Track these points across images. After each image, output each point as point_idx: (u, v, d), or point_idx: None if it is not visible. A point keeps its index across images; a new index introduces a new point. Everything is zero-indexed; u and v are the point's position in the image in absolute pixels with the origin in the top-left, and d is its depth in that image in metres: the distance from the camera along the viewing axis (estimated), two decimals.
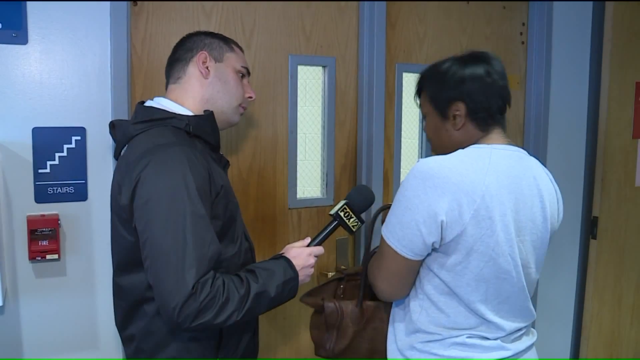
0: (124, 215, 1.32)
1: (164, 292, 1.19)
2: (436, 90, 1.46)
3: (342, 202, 1.56)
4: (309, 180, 2.20)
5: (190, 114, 1.45)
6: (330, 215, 1.56)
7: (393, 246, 1.35)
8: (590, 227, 2.81)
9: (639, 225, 2.90)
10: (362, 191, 1.61)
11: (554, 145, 2.65)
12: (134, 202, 1.28)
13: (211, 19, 1.92)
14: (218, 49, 1.52)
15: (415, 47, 2.34)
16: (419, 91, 1.54)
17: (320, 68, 2.16)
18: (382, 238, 1.39)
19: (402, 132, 2.36)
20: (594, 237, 2.78)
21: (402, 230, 1.33)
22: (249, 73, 1.59)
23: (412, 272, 1.41)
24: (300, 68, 2.11)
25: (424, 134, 2.38)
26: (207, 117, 1.46)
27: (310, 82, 2.16)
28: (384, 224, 1.39)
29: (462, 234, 1.31)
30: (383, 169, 2.24)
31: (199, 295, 1.19)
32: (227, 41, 1.56)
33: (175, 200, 1.23)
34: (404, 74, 2.33)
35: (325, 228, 1.56)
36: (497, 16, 2.53)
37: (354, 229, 1.55)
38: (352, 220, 1.55)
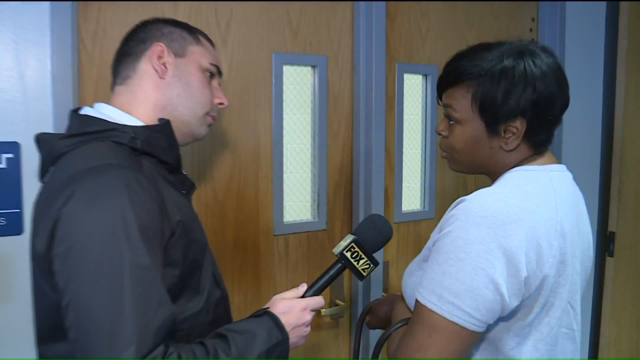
0: (43, 266, 0.98)
1: None
2: (493, 95, 1.10)
3: (349, 238, 1.20)
4: (298, 200, 1.87)
5: (140, 124, 1.13)
6: (335, 255, 1.21)
7: (460, 321, 1.01)
8: (606, 244, 2.59)
9: None
10: (376, 223, 1.25)
11: (566, 153, 2.39)
12: (52, 249, 0.94)
13: (178, 9, 1.58)
14: (179, 41, 1.19)
15: (418, 45, 2.03)
16: (453, 84, 1.17)
17: (309, 68, 1.84)
18: (430, 314, 1.04)
19: (404, 143, 2.04)
20: (611, 255, 2.57)
21: (475, 299, 1.00)
22: (220, 73, 1.27)
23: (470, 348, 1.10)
24: (286, 68, 1.78)
25: (429, 144, 2.08)
26: (162, 129, 1.14)
27: (298, 85, 1.83)
28: (427, 291, 1.05)
29: (540, 288, 1.05)
30: (384, 186, 1.92)
31: None
32: (192, 31, 1.23)
33: (108, 246, 0.92)
34: (405, 75, 2.02)
35: (327, 272, 1.21)
36: (505, 10, 2.24)
37: (364, 274, 1.20)
38: (362, 262, 1.19)
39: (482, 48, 1.15)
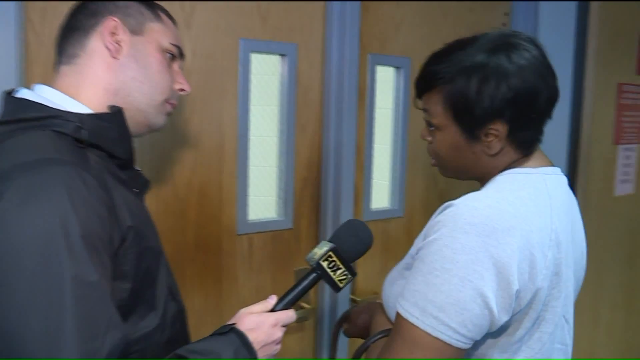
0: None
1: None
2: (465, 97, 1.02)
3: (325, 246, 1.09)
4: (263, 198, 1.76)
5: (88, 111, 0.99)
6: (309, 264, 1.10)
7: (445, 337, 0.93)
8: None
9: (616, 239, 2.68)
10: (357, 230, 1.15)
11: None
12: None
13: None
14: (137, 16, 1.05)
15: (391, 35, 1.94)
16: (427, 89, 1.10)
17: (277, 57, 1.72)
18: (411, 328, 0.95)
19: (374, 138, 1.96)
20: None
21: (461, 314, 0.92)
22: (182, 55, 1.14)
23: None
24: (253, 56, 1.66)
25: (400, 140, 2.00)
26: (113, 118, 1.00)
27: (266, 75, 1.72)
28: (409, 304, 0.96)
29: (531, 302, 0.97)
30: (354, 184, 1.83)
31: None
32: (151, 7, 1.09)
33: (45, 258, 0.78)
34: (377, 67, 1.92)
35: (299, 283, 1.08)
36: (480, 3, 2.17)
37: (340, 285, 1.10)
38: (339, 272, 1.08)
39: (457, 47, 1.07)
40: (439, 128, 1.08)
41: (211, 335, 0.99)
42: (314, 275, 1.08)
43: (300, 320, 1.81)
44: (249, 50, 1.63)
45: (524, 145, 1.06)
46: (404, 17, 1.96)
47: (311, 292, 1.83)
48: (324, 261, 1.07)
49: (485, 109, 1.01)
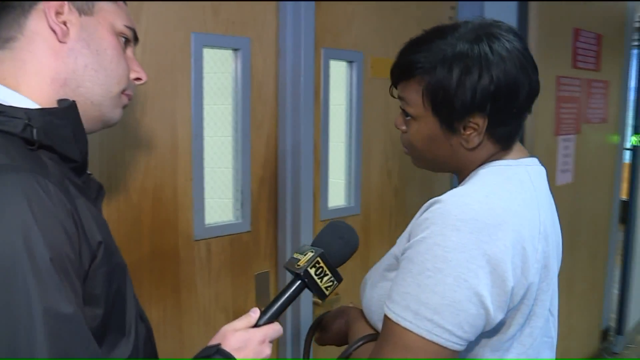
0: None
1: None
2: (445, 88, 0.98)
3: (311, 252, 1.01)
4: (219, 200, 1.67)
5: (34, 106, 0.84)
6: (293, 272, 1.01)
7: (441, 340, 0.88)
8: None
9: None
10: (342, 233, 1.07)
11: None
12: None
13: None
14: None
15: (343, 29, 1.89)
16: (404, 78, 1.04)
17: (230, 52, 1.64)
18: (404, 333, 0.90)
19: (330, 136, 1.91)
20: None
21: (457, 315, 0.87)
22: (136, 39, 1.00)
23: None
24: (205, 51, 1.57)
25: (354, 136, 1.96)
26: (66, 113, 0.86)
27: (219, 71, 1.63)
28: (400, 307, 0.91)
29: (524, 298, 0.94)
30: (313, 183, 1.77)
31: None
32: None
33: (7, 288, 0.67)
34: (331, 62, 1.87)
35: (284, 292, 1.00)
36: None
37: (327, 293, 1.01)
38: (326, 279, 1.00)
39: (437, 35, 1.01)
40: (415, 118, 1.03)
41: (195, 358, 0.90)
42: (299, 283, 0.99)
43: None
44: (202, 45, 1.54)
45: (503, 140, 1.03)
46: (356, 10, 1.92)
47: (271, 294, 1.77)
48: (311, 268, 0.99)
49: (465, 102, 0.97)
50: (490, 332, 0.95)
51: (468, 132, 1.00)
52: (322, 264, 0.99)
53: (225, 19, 1.59)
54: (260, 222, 1.74)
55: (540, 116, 2.56)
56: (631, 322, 3.96)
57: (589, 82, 2.97)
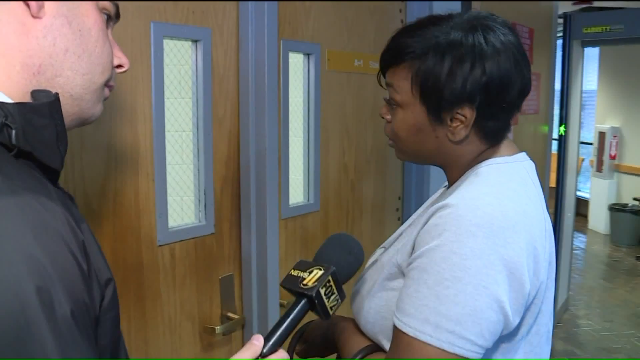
0: None
1: None
2: (435, 76, 0.94)
3: (319, 269, 0.91)
4: (181, 201, 1.57)
5: (6, 99, 0.67)
6: (297, 292, 0.91)
7: (463, 352, 0.84)
8: None
9: None
10: (351, 247, 1.00)
11: None
12: None
13: None
14: None
15: (302, 20, 1.83)
16: (394, 63, 1.00)
17: (189, 43, 1.53)
18: (423, 347, 0.85)
19: (290, 130, 1.84)
20: None
21: (479, 323, 0.84)
22: (118, 16, 0.82)
23: None
24: (166, 43, 1.46)
25: (312, 131, 1.90)
26: (49, 110, 0.68)
27: (179, 63, 1.52)
28: (418, 321, 0.86)
29: (535, 298, 0.93)
30: (278, 182, 1.69)
31: None
32: None
33: (18, 350, 0.53)
34: (290, 54, 1.80)
35: (287, 314, 0.90)
36: None
37: (331, 312, 0.92)
38: (332, 297, 0.91)
39: (430, 22, 0.99)
40: (402, 106, 1.00)
41: None
42: (303, 303, 0.90)
43: (226, 332, 1.65)
44: (162, 35, 1.43)
45: (490, 136, 1.00)
46: (313, 2, 1.85)
47: (236, 299, 1.69)
48: (322, 287, 0.90)
49: (455, 92, 0.94)
50: (503, 335, 0.93)
51: (455, 124, 0.97)
52: (332, 283, 0.91)
53: (185, 8, 1.48)
54: (224, 223, 1.64)
55: None
56: (559, 302, 4.15)
57: None
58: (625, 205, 6.72)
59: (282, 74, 1.76)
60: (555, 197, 3.86)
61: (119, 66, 0.83)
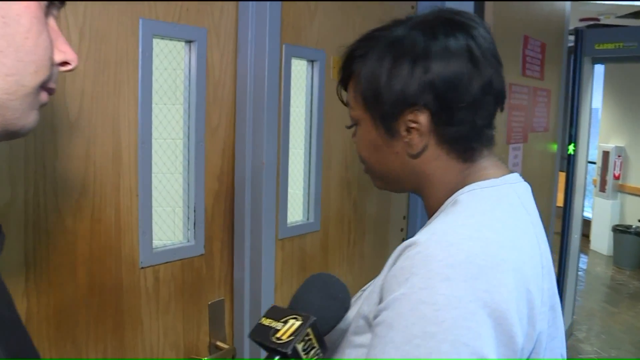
0: None
1: None
2: (374, 77, 0.83)
3: (296, 319, 0.77)
4: (168, 218, 1.42)
5: None
6: (269, 347, 0.77)
7: None
8: None
9: None
10: (336, 291, 0.84)
11: None
12: None
13: None
14: None
15: (306, 24, 1.69)
16: (347, 79, 0.91)
17: (183, 44, 1.39)
18: None
19: (290, 143, 1.69)
20: None
21: None
22: (62, 1, 0.66)
23: None
24: (156, 42, 1.32)
25: (314, 144, 1.76)
26: None
27: (170, 65, 1.38)
28: None
29: (532, 351, 0.76)
30: (276, 198, 1.55)
31: None
32: None
33: None
34: (293, 61, 1.66)
35: None
36: None
37: None
38: (312, 352, 0.77)
39: (387, 25, 0.88)
40: (358, 122, 0.90)
41: None
42: None
43: None
44: (151, 34, 1.29)
45: (457, 147, 0.85)
46: (318, 5, 1.71)
47: (227, 327, 1.54)
48: (300, 342, 0.75)
49: (396, 94, 0.82)
50: None
51: (411, 135, 0.84)
52: (311, 336, 0.76)
53: (179, 5, 1.34)
54: (215, 243, 1.49)
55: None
56: (566, 324, 4.00)
57: (535, 90, 2.93)
58: (629, 226, 6.59)
59: (283, 81, 1.62)
60: (562, 218, 3.72)
61: (65, 63, 0.66)
